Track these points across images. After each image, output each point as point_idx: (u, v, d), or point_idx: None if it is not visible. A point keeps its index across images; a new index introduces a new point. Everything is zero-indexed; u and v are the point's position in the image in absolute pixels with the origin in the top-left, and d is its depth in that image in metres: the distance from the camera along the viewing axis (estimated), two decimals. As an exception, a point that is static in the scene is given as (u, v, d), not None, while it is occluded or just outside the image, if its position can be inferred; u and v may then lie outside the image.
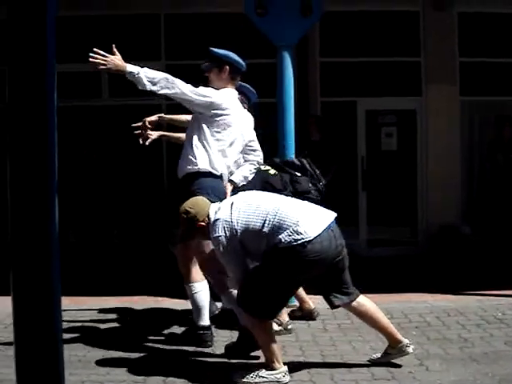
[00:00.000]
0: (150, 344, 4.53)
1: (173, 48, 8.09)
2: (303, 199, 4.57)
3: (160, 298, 5.90)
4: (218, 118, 4.29)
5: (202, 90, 4.28)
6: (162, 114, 4.81)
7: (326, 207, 3.94)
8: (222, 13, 7.78)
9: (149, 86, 4.05)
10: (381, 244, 8.21)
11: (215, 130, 4.30)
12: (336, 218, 3.77)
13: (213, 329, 4.49)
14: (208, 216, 3.68)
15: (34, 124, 1.83)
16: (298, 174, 4.82)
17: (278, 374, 3.64)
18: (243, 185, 4.56)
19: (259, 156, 4.76)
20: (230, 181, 4.46)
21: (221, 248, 3.60)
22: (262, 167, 4.90)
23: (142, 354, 4.25)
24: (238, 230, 3.59)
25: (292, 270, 3.60)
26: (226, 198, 4.24)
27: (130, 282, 6.51)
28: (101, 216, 8.02)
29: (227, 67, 4.45)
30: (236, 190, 4.41)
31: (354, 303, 3.91)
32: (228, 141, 4.34)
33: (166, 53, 8.06)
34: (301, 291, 4.98)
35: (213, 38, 7.99)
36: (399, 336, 3.95)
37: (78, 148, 7.98)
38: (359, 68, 8.19)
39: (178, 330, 4.82)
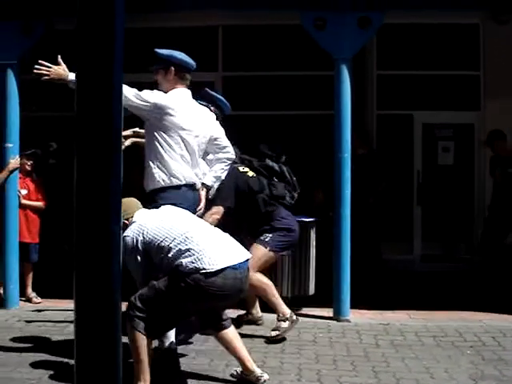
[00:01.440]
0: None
1: (230, 59, 8.16)
2: (278, 203, 4.86)
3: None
4: (165, 122, 4.24)
5: (144, 93, 4.26)
6: (137, 129, 4.79)
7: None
8: (279, 25, 7.81)
9: None
10: (435, 260, 8.06)
11: (167, 135, 4.26)
12: (247, 260, 3.69)
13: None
14: (132, 216, 3.77)
15: (101, 133, 1.88)
16: (276, 180, 4.99)
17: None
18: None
19: (229, 153, 4.62)
20: (202, 184, 4.44)
21: (125, 248, 3.59)
22: (241, 168, 5.01)
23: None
24: (145, 240, 3.61)
25: (186, 297, 3.52)
26: (199, 204, 4.31)
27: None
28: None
29: (172, 68, 4.36)
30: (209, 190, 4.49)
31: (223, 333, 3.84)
32: (183, 143, 4.26)
33: (223, 64, 8.14)
34: (253, 297, 5.14)
35: (270, 49, 8.06)
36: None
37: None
38: (416, 81, 8.10)
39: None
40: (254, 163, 5.18)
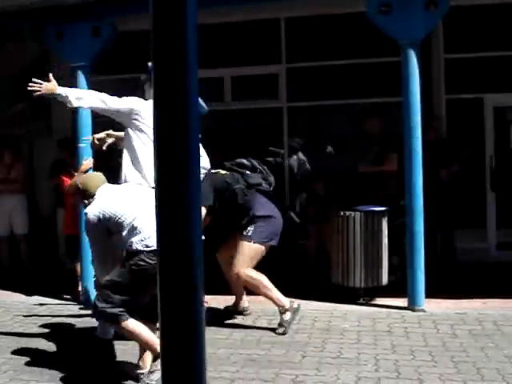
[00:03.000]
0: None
1: (293, 51, 8.13)
2: (256, 191, 5.07)
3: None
4: (142, 127, 4.52)
5: (123, 99, 4.65)
6: (111, 131, 5.09)
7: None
8: (340, 14, 7.73)
9: (75, 103, 4.66)
10: (511, 247, 7.81)
11: (144, 140, 4.52)
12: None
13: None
14: (94, 193, 3.97)
15: (178, 129, 1.91)
16: (248, 172, 5.22)
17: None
18: None
19: (204, 161, 4.79)
20: None
21: (87, 224, 3.84)
22: (212, 171, 5.12)
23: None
24: (106, 217, 3.79)
25: (136, 275, 3.65)
26: None
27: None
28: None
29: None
30: None
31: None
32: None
33: (286, 56, 8.13)
34: (240, 288, 5.25)
35: (333, 39, 7.99)
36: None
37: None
38: (486, 63, 7.84)
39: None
40: (225, 164, 5.40)
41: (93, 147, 5.40)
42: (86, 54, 5.97)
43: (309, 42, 8.03)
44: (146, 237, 3.66)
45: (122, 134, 4.99)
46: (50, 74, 4.51)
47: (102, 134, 5.08)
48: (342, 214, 5.75)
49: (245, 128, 8.24)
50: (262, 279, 4.98)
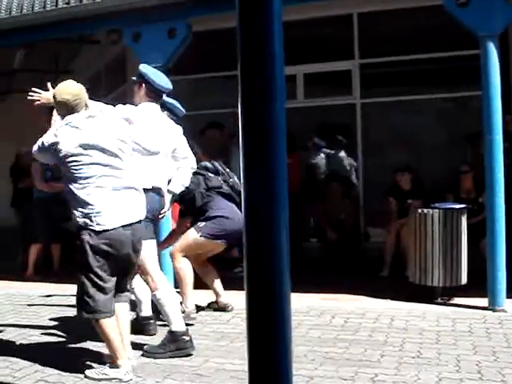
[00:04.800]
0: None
1: (366, 46, 8.04)
2: (216, 193, 5.31)
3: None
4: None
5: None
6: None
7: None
8: (415, 7, 7.58)
9: None
10: None
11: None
12: (140, 221, 3.82)
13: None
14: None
15: (265, 124, 1.92)
16: (211, 175, 5.40)
17: (119, 372, 3.73)
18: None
19: (191, 162, 4.97)
20: (168, 190, 4.75)
21: (43, 142, 3.86)
22: None
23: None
24: (57, 151, 3.76)
25: (84, 255, 3.68)
26: (161, 208, 4.59)
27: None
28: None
29: (143, 85, 4.68)
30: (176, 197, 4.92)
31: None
32: (146, 151, 4.51)
33: (359, 51, 8.04)
34: (218, 285, 5.43)
35: (406, 33, 7.85)
36: (118, 353, 3.77)
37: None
38: None
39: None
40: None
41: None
42: (163, 54, 6.07)
43: (382, 37, 7.93)
44: (93, 215, 3.70)
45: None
46: (49, 84, 4.56)
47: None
48: (420, 211, 5.64)
49: (317, 125, 8.22)
50: (187, 274, 5.18)
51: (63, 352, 4.48)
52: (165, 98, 5.16)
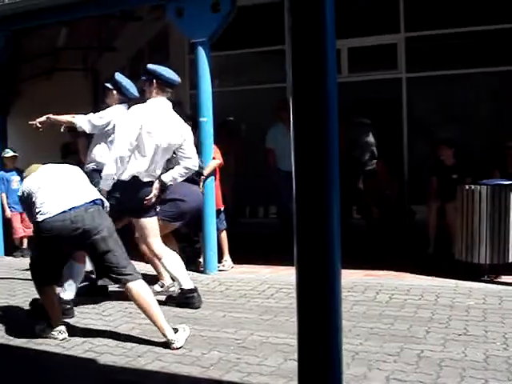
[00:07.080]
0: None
1: (412, 20, 7.88)
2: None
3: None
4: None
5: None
6: (50, 115, 5.64)
7: None
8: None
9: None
10: None
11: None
12: (92, 202, 4.10)
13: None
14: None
15: (317, 100, 1.91)
16: (174, 155, 5.18)
17: (54, 331, 4.23)
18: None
19: (190, 163, 5.00)
20: (159, 179, 4.90)
21: (20, 197, 4.32)
22: None
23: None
24: (27, 193, 4.20)
25: (38, 243, 4.16)
26: (147, 195, 4.79)
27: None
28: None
29: (154, 81, 4.86)
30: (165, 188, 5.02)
31: (126, 287, 4.06)
32: (144, 144, 4.72)
33: (405, 25, 7.89)
34: (160, 267, 5.34)
35: (452, 6, 7.66)
36: (166, 331, 4.00)
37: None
38: None
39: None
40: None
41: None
42: (206, 29, 6.05)
43: (428, 10, 7.75)
44: (39, 208, 4.05)
45: (61, 118, 5.64)
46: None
47: (43, 118, 5.65)
48: (467, 187, 5.54)
49: (362, 100, 8.12)
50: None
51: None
52: (118, 78, 5.47)
